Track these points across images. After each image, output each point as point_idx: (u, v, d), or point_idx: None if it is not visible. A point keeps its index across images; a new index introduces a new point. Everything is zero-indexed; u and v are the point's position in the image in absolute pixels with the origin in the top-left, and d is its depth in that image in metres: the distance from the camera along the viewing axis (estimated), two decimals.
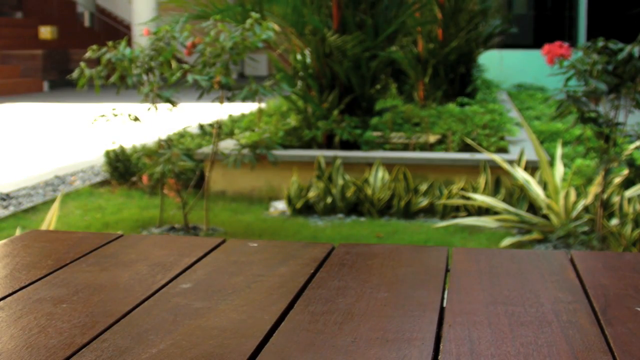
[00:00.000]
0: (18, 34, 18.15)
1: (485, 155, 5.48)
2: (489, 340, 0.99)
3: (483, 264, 1.33)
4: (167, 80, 4.91)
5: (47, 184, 6.37)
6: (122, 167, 6.27)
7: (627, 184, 4.74)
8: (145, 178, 5.65)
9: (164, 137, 5.29)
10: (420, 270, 1.16)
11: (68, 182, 6.53)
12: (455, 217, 5.21)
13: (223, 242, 1.33)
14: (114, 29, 20.16)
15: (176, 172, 4.87)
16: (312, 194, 5.40)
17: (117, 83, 4.86)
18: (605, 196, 4.48)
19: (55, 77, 16.91)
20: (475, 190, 5.27)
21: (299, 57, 6.53)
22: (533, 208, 4.98)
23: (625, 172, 4.55)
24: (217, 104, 4.99)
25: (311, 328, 0.84)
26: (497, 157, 5.22)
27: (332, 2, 6.44)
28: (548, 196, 4.80)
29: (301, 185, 5.49)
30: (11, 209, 5.56)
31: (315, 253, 1.19)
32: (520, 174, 5.02)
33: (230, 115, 8.53)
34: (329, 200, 5.33)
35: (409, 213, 5.27)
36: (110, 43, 4.91)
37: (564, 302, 1.16)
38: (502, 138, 6.59)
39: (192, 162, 5.00)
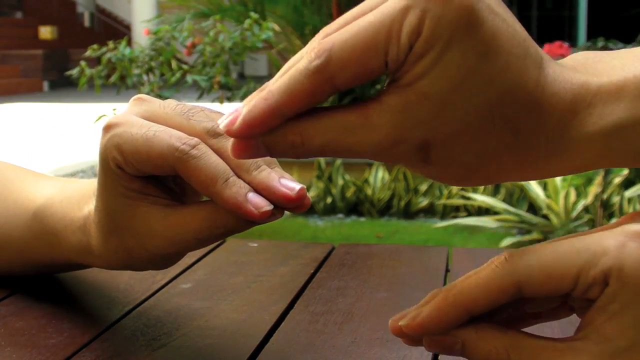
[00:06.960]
0: (18, 34, 18.16)
1: None
2: None
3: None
4: (167, 80, 4.92)
5: None
6: None
7: (627, 184, 4.74)
8: None
9: None
10: (420, 270, 1.16)
11: None
12: (455, 217, 5.21)
13: (223, 242, 1.33)
14: (114, 29, 20.15)
15: None
16: (312, 194, 5.40)
17: (117, 83, 4.86)
18: (605, 196, 4.49)
19: (55, 77, 16.90)
20: (475, 190, 5.27)
21: None
22: (533, 208, 4.98)
23: (625, 172, 4.55)
24: (217, 104, 4.99)
25: (311, 328, 0.84)
26: None
27: (332, 2, 6.44)
28: (548, 196, 4.80)
29: None
30: None
31: (315, 253, 1.19)
32: None
33: None
34: (329, 200, 5.34)
35: (409, 213, 5.27)
36: (110, 43, 4.91)
37: None
38: None
39: None
